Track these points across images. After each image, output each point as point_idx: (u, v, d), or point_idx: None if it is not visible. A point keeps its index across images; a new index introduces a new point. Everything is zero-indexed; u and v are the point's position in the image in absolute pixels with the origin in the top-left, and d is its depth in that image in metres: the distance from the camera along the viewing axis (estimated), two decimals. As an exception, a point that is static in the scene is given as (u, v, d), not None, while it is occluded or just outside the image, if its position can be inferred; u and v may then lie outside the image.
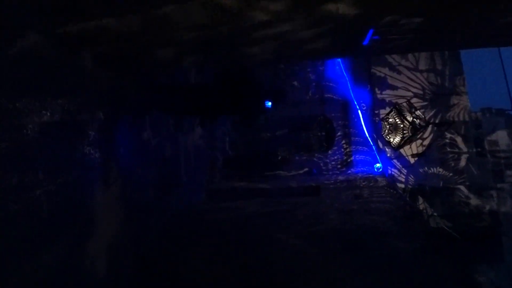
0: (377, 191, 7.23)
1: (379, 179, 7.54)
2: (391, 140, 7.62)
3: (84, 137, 3.62)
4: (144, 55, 4.31)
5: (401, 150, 7.82)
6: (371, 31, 4.41)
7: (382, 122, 7.84)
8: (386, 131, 7.72)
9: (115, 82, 4.45)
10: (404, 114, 7.55)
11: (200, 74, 7.80)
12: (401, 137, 7.44)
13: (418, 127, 7.42)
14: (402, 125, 7.46)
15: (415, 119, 7.47)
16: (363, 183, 7.48)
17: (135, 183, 4.98)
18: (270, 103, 8.91)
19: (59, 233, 3.10)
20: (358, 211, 6.75)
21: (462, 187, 7.78)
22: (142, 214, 5.09)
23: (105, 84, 4.18)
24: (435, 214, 7.25)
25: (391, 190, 7.24)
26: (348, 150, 8.41)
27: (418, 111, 7.57)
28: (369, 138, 8.30)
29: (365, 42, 4.90)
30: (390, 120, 7.64)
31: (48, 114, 3.00)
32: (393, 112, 7.66)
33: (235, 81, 8.39)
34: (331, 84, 8.79)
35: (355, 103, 8.64)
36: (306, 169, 8.46)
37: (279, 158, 8.47)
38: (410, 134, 7.40)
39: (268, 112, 8.86)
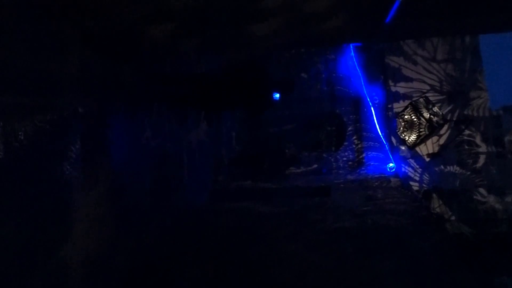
0: (391, 192, 6.82)
1: (392, 179, 7.12)
2: (406, 138, 7.14)
3: (64, 127, 3.12)
4: (136, 35, 3.82)
5: (416, 149, 7.36)
6: (396, 3, 3.94)
7: (396, 119, 7.34)
8: (401, 128, 7.23)
9: (108, 67, 3.97)
10: (420, 111, 7.05)
11: (204, 64, 7.27)
12: (417, 135, 6.96)
13: (436, 125, 6.93)
14: (418, 123, 6.97)
15: (432, 116, 6.98)
16: (376, 184, 7.07)
17: (131, 184, 4.55)
18: (278, 95, 8.44)
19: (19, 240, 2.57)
20: (371, 213, 6.38)
21: (481, 189, 7.36)
22: (137, 218, 4.61)
23: (96, 69, 3.69)
24: (452, 218, 6.86)
25: (406, 192, 6.84)
26: (359, 147, 7.96)
27: (435, 107, 7.06)
28: (381, 135, 7.83)
29: (388, 19, 4.41)
30: (406, 116, 7.13)
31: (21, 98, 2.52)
32: (408, 108, 7.15)
33: (242, 71, 7.89)
34: (341, 77, 8.26)
35: (367, 97, 8.13)
36: (315, 166, 8.04)
37: (287, 155, 8.04)
38: (427, 132, 6.93)
39: (276, 105, 8.47)
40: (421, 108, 7.15)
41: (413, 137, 6.99)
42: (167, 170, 5.91)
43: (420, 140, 6.94)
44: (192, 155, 7.02)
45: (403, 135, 7.14)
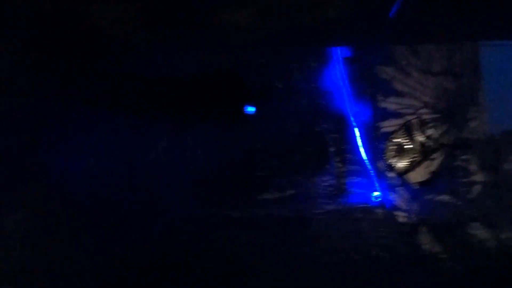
0: (376, 225, 5.95)
1: (377, 211, 6.23)
2: (395, 164, 6.22)
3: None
4: (76, 20, 2.95)
5: (396, 171, 6.44)
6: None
7: (386, 141, 6.40)
8: (390, 152, 6.31)
9: (44, 63, 3.26)
10: (413, 134, 6.13)
11: (167, 66, 6.17)
12: (408, 162, 6.06)
13: (429, 150, 6.03)
14: (410, 147, 6.06)
15: (426, 140, 6.07)
16: (359, 215, 6.18)
17: (62, 205, 3.70)
18: (253, 109, 7.51)
19: None
20: (353, 248, 5.56)
21: (475, 223, 6.51)
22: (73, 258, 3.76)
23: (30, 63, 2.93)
24: (443, 255, 6.01)
25: (392, 224, 5.96)
26: (341, 171, 7.02)
27: (430, 129, 6.14)
28: (366, 158, 6.90)
29: (392, 12, 3.90)
30: (397, 140, 6.21)
31: None
32: (401, 130, 6.23)
33: (212, 75, 6.94)
34: (323, 89, 7.27)
35: (352, 114, 7.17)
36: (290, 192, 7.10)
37: (259, 178, 7.08)
38: (420, 158, 6.02)
39: (250, 119, 7.49)
40: (414, 131, 6.23)
41: (403, 163, 6.07)
42: (111, 193, 4.96)
43: (412, 167, 6.04)
44: (146, 175, 6.04)
45: (392, 160, 6.21)
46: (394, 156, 6.14)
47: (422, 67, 7.36)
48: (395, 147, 6.13)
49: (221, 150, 7.26)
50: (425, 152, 6.05)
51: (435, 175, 6.66)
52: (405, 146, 6.02)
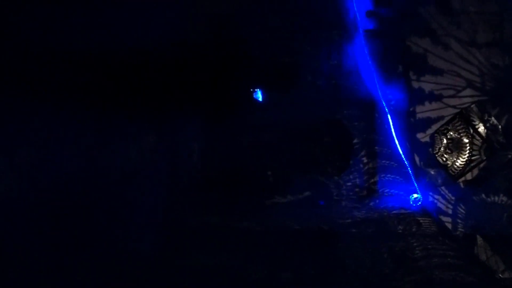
0: (425, 241, 4.72)
1: (421, 220, 5.01)
2: (448, 163, 4.96)
3: None
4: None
5: (451, 172, 5.20)
6: None
7: (436, 135, 5.12)
8: (442, 148, 5.03)
9: None
10: (473, 124, 4.86)
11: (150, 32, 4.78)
12: (466, 160, 4.81)
13: (497, 146, 4.77)
14: (469, 142, 4.80)
15: (490, 132, 4.80)
16: (399, 227, 4.95)
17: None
18: (259, 94, 6.35)
19: None
20: (395, 280, 4.34)
21: (539, 229, 5.35)
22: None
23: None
24: (505, 274, 4.82)
25: (446, 241, 4.73)
26: (370, 168, 5.81)
27: (493, 118, 4.89)
28: (401, 151, 5.65)
29: None
30: (451, 133, 4.93)
31: None
32: (456, 120, 4.96)
33: (209, 49, 5.47)
34: (347, 69, 5.98)
35: (381, 97, 5.90)
36: (307, 194, 5.87)
37: (270, 178, 5.83)
38: (483, 156, 4.78)
39: (257, 106, 6.06)
40: (473, 120, 4.95)
41: (459, 162, 4.82)
42: (87, 199, 3.80)
43: (471, 167, 4.80)
44: (130, 178, 4.77)
45: (444, 159, 4.95)
46: (446, 153, 4.88)
47: (464, 38, 6.11)
48: (448, 141, 4.86)
49: (222, 144, 6.01)
50: (490, 149, 4.80)
51: (485, 171, 5.45)
52: (462, 140, 4.77)
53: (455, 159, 4.87)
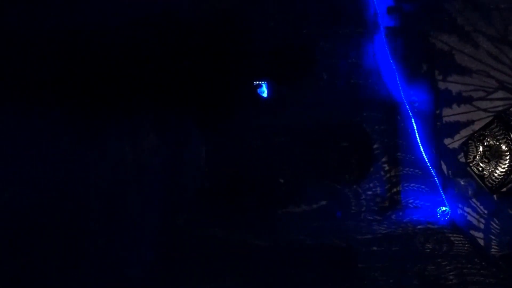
0: (459, 264, 4.17)
1: (453, 237, 4.47)
2: (485, 173, 4.41)
3: None
4: None
5: (488, 184, 4.65)
6: None
7: (470, 142, 4.59)
8: (477, 157, 4.49)
9: None
10: (512, 129, 4.33)
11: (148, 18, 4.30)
12: (506, 170, 4.27)
13: None
14: (509, 149, 4.27)
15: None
16: (428, 245, 4.42)
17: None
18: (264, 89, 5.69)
19: None
20: None
21: None
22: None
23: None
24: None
25: (484, 263, 4.18)
26: (392, 176, 5.29)
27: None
28: (426, 158, 5.13)
29: None
30: (488, 139, 4.40)
31: None
32: (494, 125, 4.43)
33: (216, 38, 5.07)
34: (366, 68, 5.50)
35: (404, 98, 5.40)
36: (323, 204, 5.37)
37: (283, 187, 5.33)
38: None
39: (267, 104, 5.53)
40: None
41: (498, 172, 4.29)
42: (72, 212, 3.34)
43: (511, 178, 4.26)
44: (125, 185, 4.28)
45: (479, 168, 4.41)
46: (482, 162, 4.34)
47: (495, 33, 5.60)
48: (486, 148, 4.32)
49: (230, 148, 5.50)
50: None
51: (520, 180, 4.93)
52: (501, 148, 4.24)
53: (492, 169, 4.34)
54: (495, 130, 4.43)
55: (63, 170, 3.30)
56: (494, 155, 4.38)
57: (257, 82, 5.51)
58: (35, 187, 3.13)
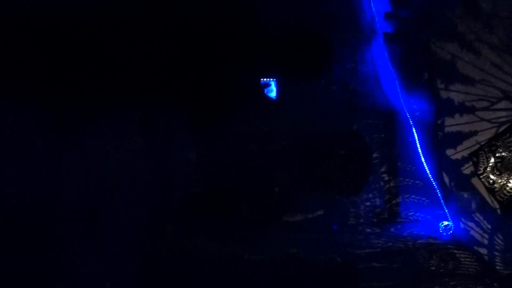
0: (467, 284, 3.90)
1: (458, 253, 4.23)
2: (496, 186, 4.20)
3: None
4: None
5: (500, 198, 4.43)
6: None
7: (481, 152, 4.39)
8: (489, 168, 4.30)
9: None
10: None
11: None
12: None
13: None
14: None
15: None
16: (431, 261, 4.17)
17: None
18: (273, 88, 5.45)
19: None
20: None
21: None
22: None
23: None
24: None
25: (495, 284, 3.93)
26: (392, 187, 5.08)
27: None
28: (427, 169, 4.93)
29: None
30: (500, 150, 4.21)
31: None
32: (507, 135, 4.25)
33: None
34: (364, 74, 5.34)
35: (404, 107, 5.23)
36: (319, 213, 5.12)
37: (278, 196, 5.07)
38: None
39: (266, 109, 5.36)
40: None
41: (510, 185, 4.08)
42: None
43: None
44: (106, 188, 4.01)
45: (490, 181, 4.18)
46: (494, 174, 4.13)
47: (497, 42, 5.51)
48: (498, 159, 4.11)
49: (223, 153, 5.24)
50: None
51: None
52: (512, 160, 4.05)
53: (504, 182, 4.12)
54: (508, 141, 4.22)
55: (40, 175, 3.05)
56: (506, 168, 4.16)
57: (265, 80, 5.32)
58: (16, 193, 2.89)
